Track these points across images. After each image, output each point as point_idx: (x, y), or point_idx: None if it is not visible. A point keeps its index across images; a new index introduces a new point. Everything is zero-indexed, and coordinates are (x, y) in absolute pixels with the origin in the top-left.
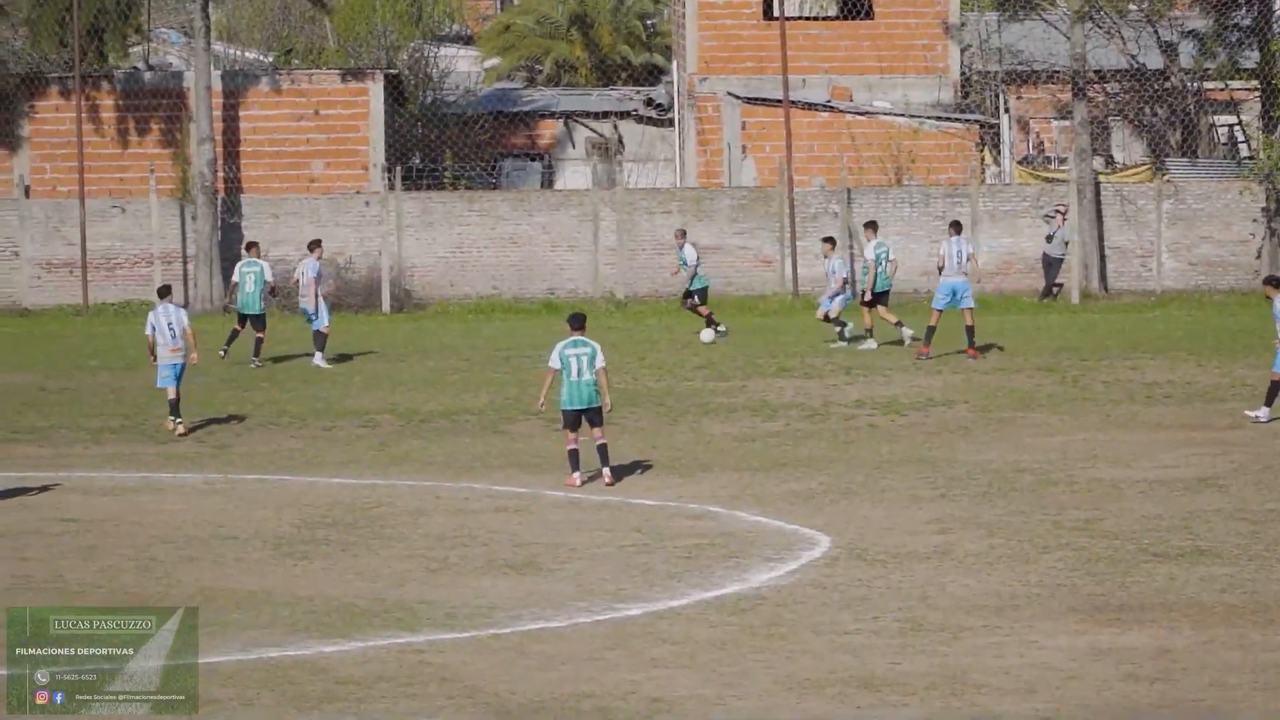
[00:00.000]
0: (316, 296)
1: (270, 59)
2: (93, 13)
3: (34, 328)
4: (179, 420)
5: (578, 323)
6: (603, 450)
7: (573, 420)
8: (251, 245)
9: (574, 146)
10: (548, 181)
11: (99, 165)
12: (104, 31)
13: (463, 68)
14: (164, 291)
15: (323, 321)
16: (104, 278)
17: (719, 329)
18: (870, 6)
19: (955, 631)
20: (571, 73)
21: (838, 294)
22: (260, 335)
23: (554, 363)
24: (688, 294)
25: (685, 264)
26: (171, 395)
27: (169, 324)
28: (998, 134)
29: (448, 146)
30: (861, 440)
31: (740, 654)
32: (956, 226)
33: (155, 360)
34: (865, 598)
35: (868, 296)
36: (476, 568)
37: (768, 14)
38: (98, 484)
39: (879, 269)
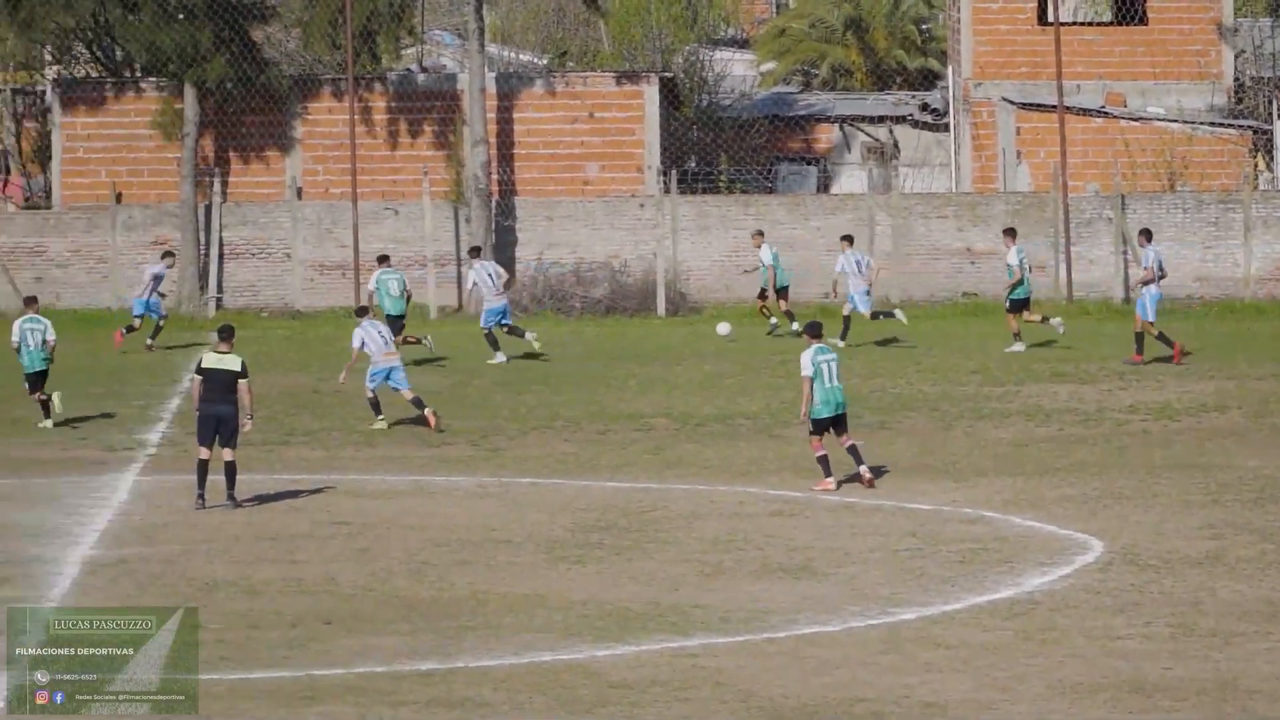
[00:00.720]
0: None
1: (544, 61)
2: (365, 15)
3: (306, 330)
4: (381, 417)
5: (816, 331)
6: (854, 450)
7: (824, 426)
8: (384, 258)
9: (850, 151)
10: (823, 186)
11: (371, 167)
12: (376, 34)
13: (738, 71)
14: (361, 311)
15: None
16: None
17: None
18: (1144, 12)
19: (1227, 637)
20: (847, 77)
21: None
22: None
23: (807, 370)
24: (764, 293)
25: (764, 266)
26: (370, 395)
27: (379, 333)
28: (1271, 140)
29: (723, 150)
30: (1134, 446)
31: (1014, 659)
32: (1148, 234)
33: (347, 372)
34: (1137, 603)
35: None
36: (751, 572)
37: (1042, 19)
38: (370, 487)
39: (1025, 274)
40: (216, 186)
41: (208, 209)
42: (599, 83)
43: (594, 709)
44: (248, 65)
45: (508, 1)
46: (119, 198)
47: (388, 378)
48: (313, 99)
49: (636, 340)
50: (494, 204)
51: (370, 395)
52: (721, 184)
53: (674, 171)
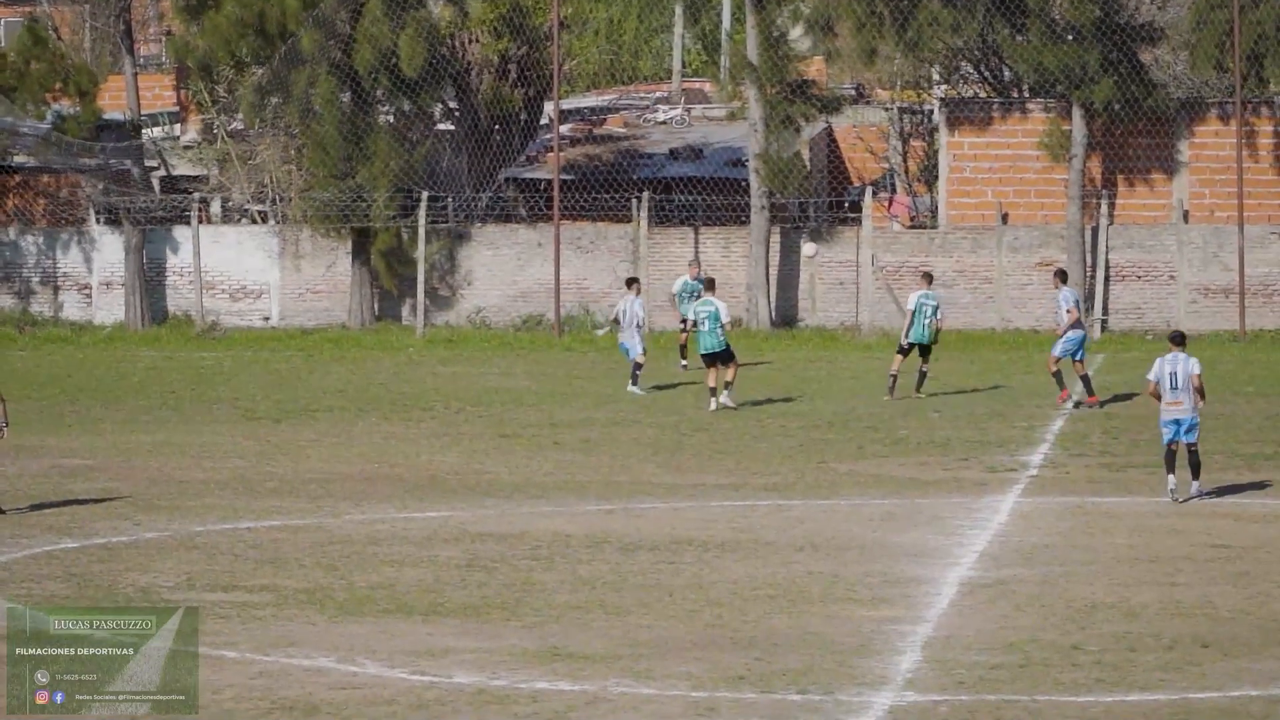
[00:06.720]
0: None
1: None
2: (1253, 38)
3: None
4: None
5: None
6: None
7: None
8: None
9: None
10: None
11: (1257, 191)
12: (1263, 57)
13: None
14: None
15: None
16: (1260, 304)
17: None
18: None
19: None
20: None
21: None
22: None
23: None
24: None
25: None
26: None
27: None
28: None
29: None
30: None
31: None
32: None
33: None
34: None
35: None
36: None
37: None
38: (1250, 510)
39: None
40: (1103, 209)
41: (1094, 231)
42: None
43: None
44: (1135, 87)
45: None
46: (1005, 218)
47: None
48: (1199, 122)
49: None
50: None
51: None
52: None
53: None
